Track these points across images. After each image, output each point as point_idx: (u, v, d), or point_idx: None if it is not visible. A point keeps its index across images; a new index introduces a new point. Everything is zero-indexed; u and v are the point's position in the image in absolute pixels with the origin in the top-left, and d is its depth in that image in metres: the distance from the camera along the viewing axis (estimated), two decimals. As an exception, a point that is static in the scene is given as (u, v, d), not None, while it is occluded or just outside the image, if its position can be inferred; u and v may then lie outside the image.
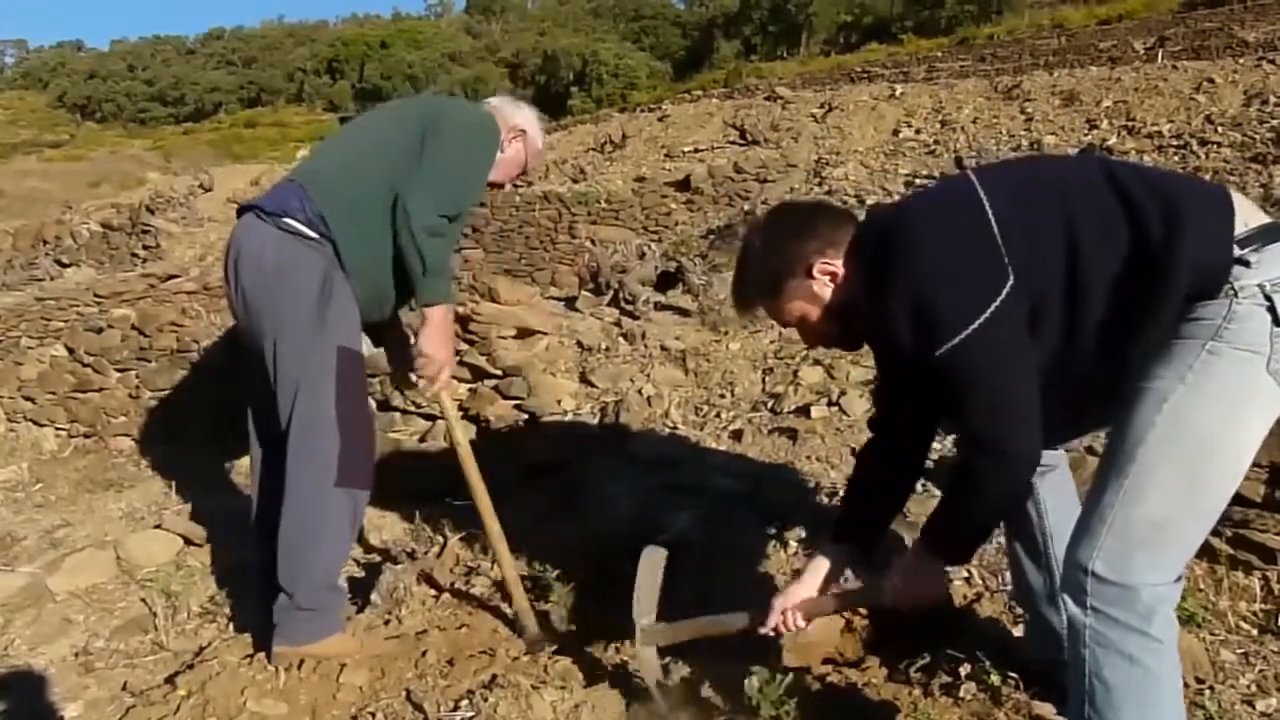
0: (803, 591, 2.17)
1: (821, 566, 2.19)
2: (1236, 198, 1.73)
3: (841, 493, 3.11)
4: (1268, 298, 1.62)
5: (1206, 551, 2.74)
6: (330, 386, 2.76)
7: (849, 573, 2.33)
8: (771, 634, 2.21)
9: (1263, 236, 1.66)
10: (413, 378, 2.99)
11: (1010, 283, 1.69)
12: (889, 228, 1.90)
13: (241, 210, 2.92)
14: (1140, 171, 1.80)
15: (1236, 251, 1.64)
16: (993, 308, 1.69)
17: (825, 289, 1.99)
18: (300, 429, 2.74)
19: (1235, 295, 1.64)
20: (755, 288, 2.09)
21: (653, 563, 2.54)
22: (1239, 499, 2.69)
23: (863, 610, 2.71)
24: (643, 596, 2.48)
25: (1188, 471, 1.67)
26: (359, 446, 2.86)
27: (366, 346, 3.04)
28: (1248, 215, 1.70)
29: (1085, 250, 1.70)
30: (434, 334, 2.84)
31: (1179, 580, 1.75)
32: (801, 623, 2.17)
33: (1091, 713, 1.76)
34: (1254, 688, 2.28)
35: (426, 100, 3.24)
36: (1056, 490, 2.21)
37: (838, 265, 1.97)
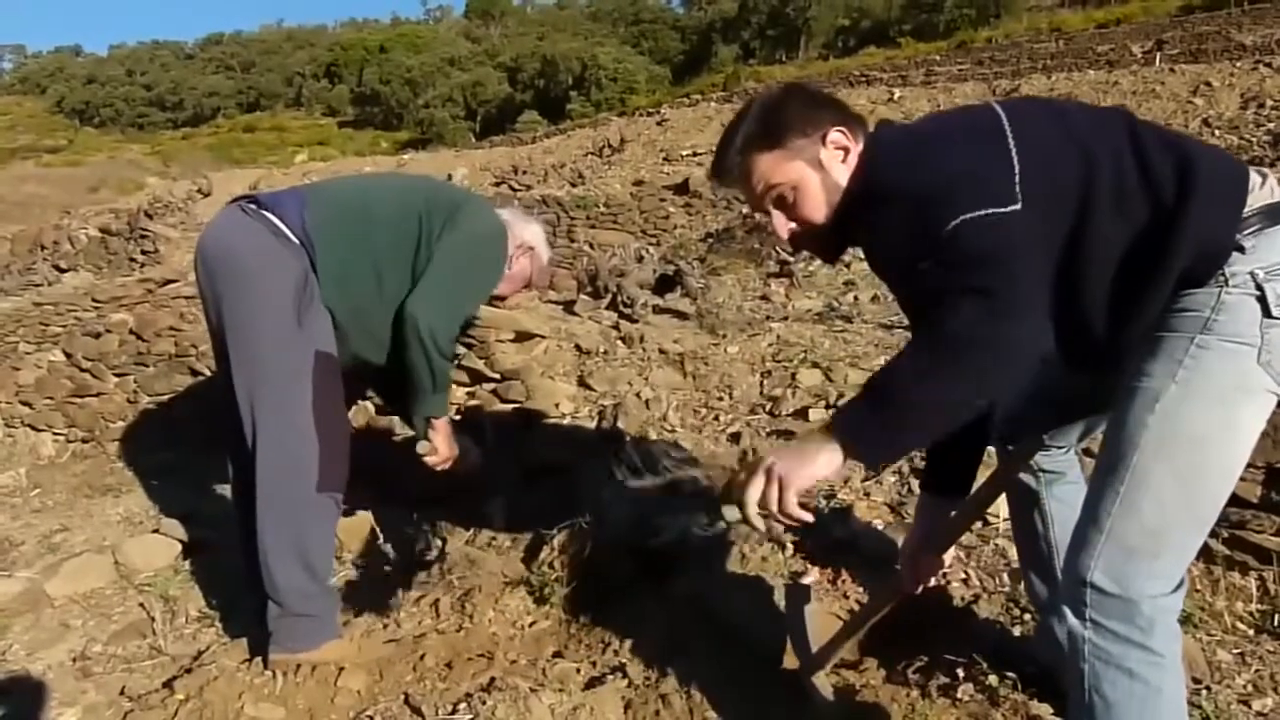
0: (918, 539, 2.13)
1: (931, 509, 2.15)
2: (1257, 178, 1.65)
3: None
4: (1259, 286, 1.56)
5: (1203, 552, 2.74)
6: (307, 390, 2.72)
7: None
8: (918, 590, 2.15)
9: (1263, 219, 1.59)
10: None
11: (1017, 207, 1.56)
12: (908, 129, 1.85)
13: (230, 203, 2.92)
14: (1163, 136, 1.70)
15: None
16: (1000, 210, 1.55)
17: (833, 162, 1.83)
18: (275, 433, 2.71)
19: (1225, 283, 1.58)
20: (757, 134, 1.85)
21: (797, 600, 2.55)
22: (1236, 500, 2.70)
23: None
24: (796, 637, 2.47)
25: (1184, 475, 1.63)
26: (338, 451, 2.84)
27: None
28: (1259, 196, 1.62)
29: (1096, 208, 1.62)
30: (443, 440, 3.04)
31: (1180, 587, 1.70)
32: (937, 563, 2.13)
33: None
34: (1250, 688, 2.28)
35: (446, 187, 3.26)
36: (1065, 501, 2.15)
37: (852, 143, 1.83)
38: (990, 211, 1.54)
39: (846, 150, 1.83)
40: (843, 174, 1.83)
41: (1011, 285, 1.51)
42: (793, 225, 1.90)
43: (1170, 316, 1.64)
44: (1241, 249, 1.57)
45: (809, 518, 1.65)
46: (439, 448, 3.03)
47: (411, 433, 3.27)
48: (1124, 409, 1.69)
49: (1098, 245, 1.63)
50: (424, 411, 2.93)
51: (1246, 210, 1.60)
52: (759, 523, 1.68)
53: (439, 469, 3.10)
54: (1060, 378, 1.92)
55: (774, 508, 1.61)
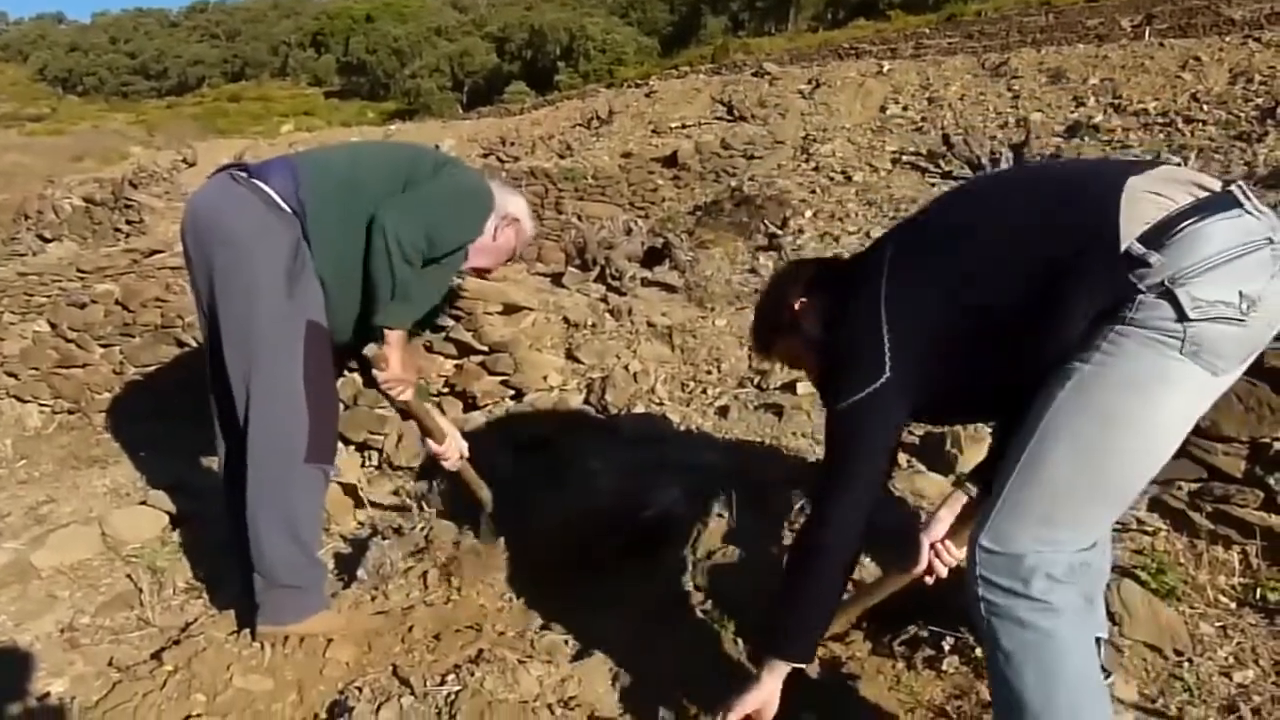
0: (941, 528, 2.18)
1: (958, 501, 2.22)
2: (1139, 188, 1.66)
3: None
4: (1170, 293, 1.57)
5: (1186, 526, 2.78)
6: (298, 361, 2.69)
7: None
8: (929, 578, 2.20)
9: (1175, 225, 1.59)
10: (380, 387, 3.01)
11: (885, 377, 1.83)
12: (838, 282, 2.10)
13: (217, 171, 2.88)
14: (1043, 214, 1.76)
15: (1138, 250, 1.58)
16: (865, 393, 1.84)
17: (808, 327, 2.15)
18: (266, 404, 2.69)
19: (1141, 293, 1.59)
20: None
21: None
22: (1219, 474, 2.72)
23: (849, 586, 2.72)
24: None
25: (1083, 451, 1.67)
26: (327, 423, 2.83)
27: None
28: (1146, 209, 1.63)
29: (978, 312, 1.78)
30: (394, 355, 2.83)
31: (1079, 553, 1.73)
32: (955, 554, 2.16)
33: (1000, 683, 1.77)
34: (1231, 660, 2.31)
35: (432, 153, 3.21)
36: None
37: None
38: (857, 397, 1.85)
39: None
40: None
41: (849, 470, 1.91)
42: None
43: (1096, 318, 1.67)
44: (1148, 264, 1.58)
45: None
46: (391, 361, 2.84)
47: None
48: (1042, 389, 1.73)
49: (992, 337, 1.78)
50: (380, 319, 2.79)
51: (1149, 226, 1.60)
52: None
53: (391, 392, 2.96)
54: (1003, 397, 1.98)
55: None
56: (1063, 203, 1.75)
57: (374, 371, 2.94)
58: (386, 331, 2.80)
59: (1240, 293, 1.56)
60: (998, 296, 1.74)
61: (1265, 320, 1.60)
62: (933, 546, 2.18)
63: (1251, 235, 1.58)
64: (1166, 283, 1.57)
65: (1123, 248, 1.60)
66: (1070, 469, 1.68)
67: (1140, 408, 1.63)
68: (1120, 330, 1.62)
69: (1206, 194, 1.63)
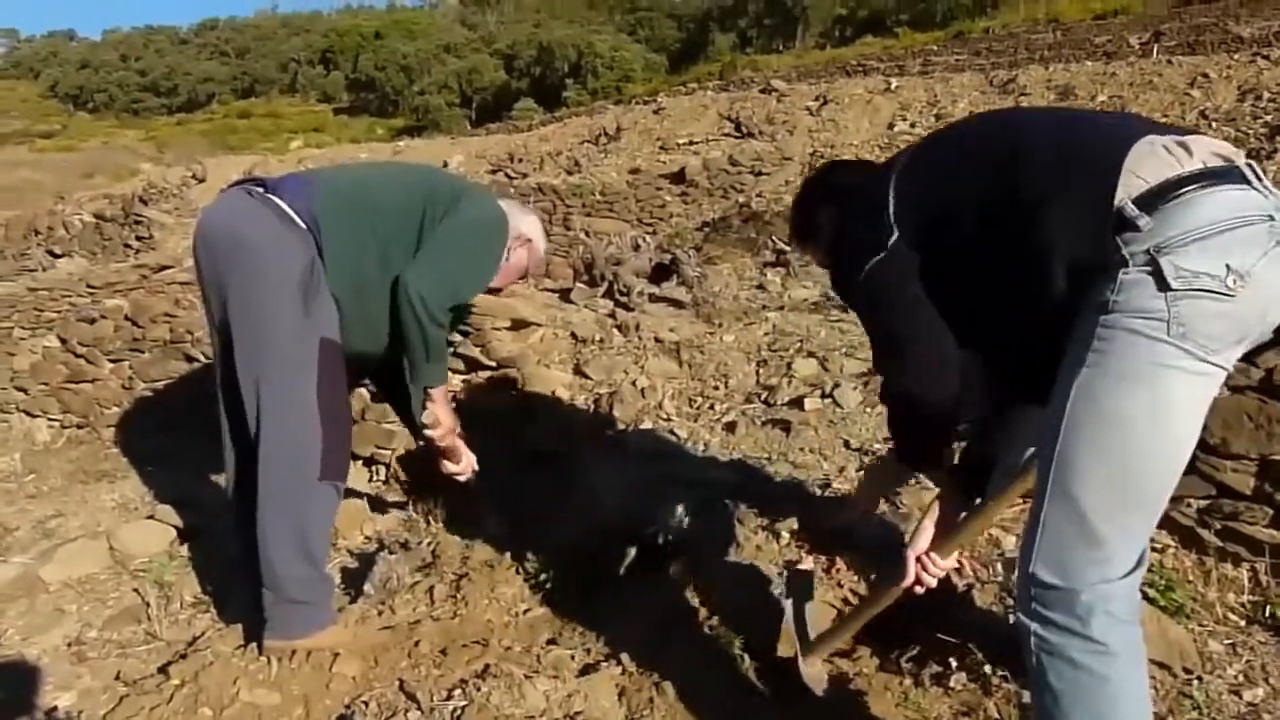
0: (925, 539, 2.13)
1: (935, 510, 2.17)
2: (1148, 147, 1.63)
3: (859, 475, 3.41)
4: (1153, 260, 1.53)
5: (1195, 543, 2.76)
6: (313, 378, 2.69)
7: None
8: (919, 589, 2.14)
9: (1160, 195, 1.56)
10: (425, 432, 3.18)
11: (894, 237, 1.88)
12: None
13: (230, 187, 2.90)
14: (1056, 137, 1.77)
15: (1131, 212, 1.55)
16: (881, 255, 1.89)
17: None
18: (280, 420, 2.69)
19: (1125, 264, 1.57)
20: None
21: (797, 587, 2.59)
22: (1228, 491, 2.71)
23: (855, 600, 2.72)
24: (795, 624, 2.49)
25: (1108, 457, 1.60)
26: (340, 440, 2.84)
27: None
28: (1154, 168, 1.59)
29: (965, 215, 1.81)
30: (441, 410, 3.06)
31: (1131, 573, 1.66)
32: (941, 565, 2.12)
33: (1046, 718, 1.70)
34: (1241, 678, 2.30)
35: (449, 176, 3.26)
36: None
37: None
38: (871, 262, 1.90)
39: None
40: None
41: (907, 326, 1.91)
42: None
43: (1082, 306, 1.64)
44: (1137, 228, 1.55)
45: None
46: (440, 418, 3.04)
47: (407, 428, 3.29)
48: (1051, 400, 1.69)
49: (976, 255, 1.81)
50: (421, 381, 2.90)
51: (1148, 186, 1.57)
52: None
53: (441, 444, 3.14)
54: (1023, 381, 2.00)
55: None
56: (1077, 137, 1.75)
57: (426, 432, 3.12)
58: (430, 390, 2.98)
59: (1227, 265, 1.51)
60: (985, 206, 1.78)
61: (1257, 300, 1.53)
62: (918, 559, 2.11)
63: (1249, 210, 1.54)
64: (1152, 250, 1.53)
65: (1117, 200, 1.57)
66: (1102, 481, 1.61)
67: (1148, 399, 1.57)
68: (1107, 321, 1.58)
69: (1219, 163, 1.59)
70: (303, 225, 2.71)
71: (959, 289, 1.85)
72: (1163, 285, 1.52)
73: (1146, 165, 1.59)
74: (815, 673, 2.40)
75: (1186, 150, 1.60)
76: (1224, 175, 1.57)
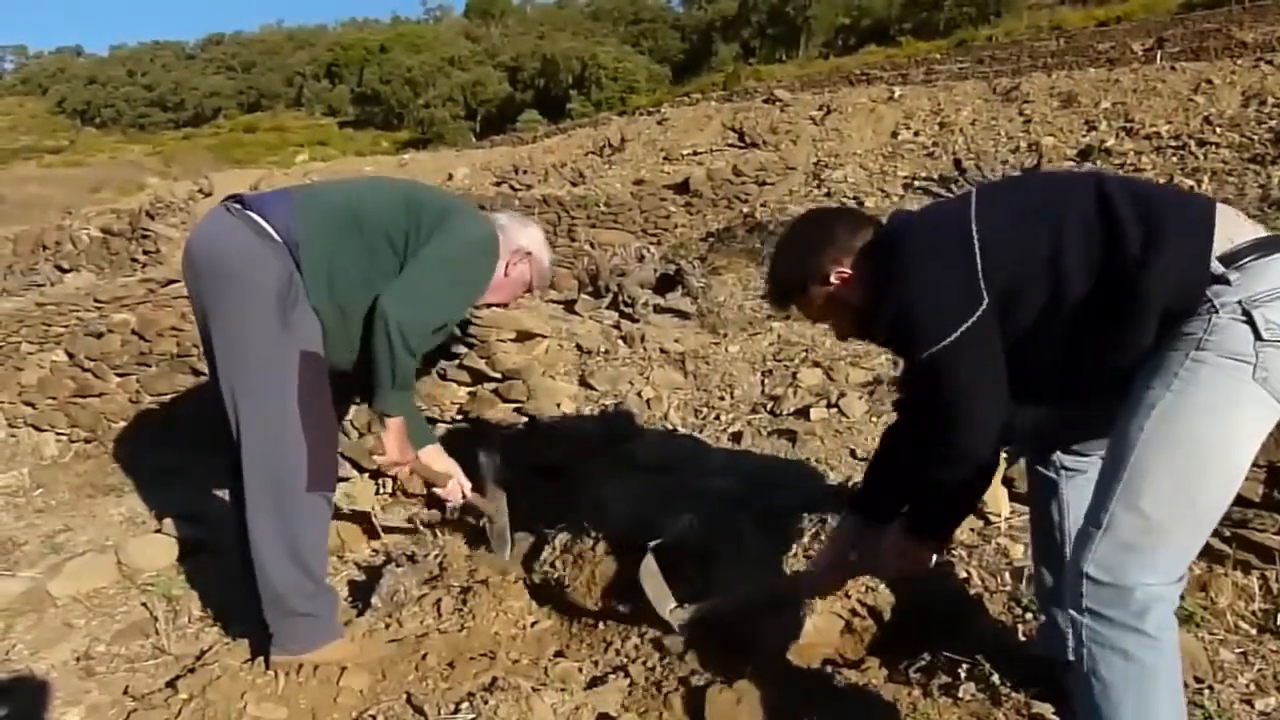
0: (825, 559, 2.32)
1: (840, 535, 2.36)
2: (1226, 212, 1.81)
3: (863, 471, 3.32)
4: (1246, 313, 1.69)
5: (1206, 551, 2.74)
6: (291, 390, 2.68)
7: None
8: (808, 599, 2.29)
9: (1247, 253, 1.73)
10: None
11: (984, 305, 1.85)
12: (887, 240, 2.07)
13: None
14: (1131, 189, 1.87)
15: (1218, 269, 1.72)
16: (965, 326, 1.85)
17: (842, 290, 2.15)
18: (259, 433, 2.69)
19: (1216, 311, 1.71)
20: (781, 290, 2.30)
21: (649, 568, 2.69)
22: (1239, 499, 2.69)
23: (863, 611, 2.71)
24: (656, 595, 2.63)
25: (1180, 475, 1.73)
26: (325, 451, 2.83)
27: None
28: (1234, 230, 1.78)
29: (1067, 271, 1.83)
30: (393, 442, 2.90)
31: (1178, 583, 1.78)
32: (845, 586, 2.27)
33: (1094, 710, 1.79)
34: (1253, 687, 2.29)
35: (436, 192, 3.23)
36: (1081, 494, 2.18)
37: (848, 270, 2.13)
38: (950, 340, 1.85)
39: (845, 278, 2.14)
40: (850, 296, 2.14)
41: (968, 403, 1.91)
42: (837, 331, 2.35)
43: (1167, 340, 1.78)
44: (1227, 281, 1.71)
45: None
46: (388, 448, 2.91)
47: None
48: (1125, 417, 1.81)
49: (1073, 302, 1.84)
50: (379, 406, 2.83)
51: (1230, 247, 1.74)
52: None
53: (389, 472, 3.09)
54: (1076, 404, 2.12)
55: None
56: (1156, 195, 1.89)
57: (373, 456, 3.01)
58: (388, 421, 2.87)
59: None
60: (1078, 256, 1.82)
61: None
62: (825, 575, 2.39)
63: None
64: (1244, 303, 1.68)
65: (1214, 255, 1.73)
66: (1169, 496, 1.73)
67: (1222, 434, 1.72)
68: (1195, 356, 1.72)
69: (1264, 234, 1.79)
70: (279, 239, 2.71)
71: (1032, 344, 1.91)
72: (1257, 334, 1.69)
73: (1229, 227, 1.78)
74: (677, 615, 2.60)
75: (1244, 222, 1.82)
76: (1275, 244, 1.76)
